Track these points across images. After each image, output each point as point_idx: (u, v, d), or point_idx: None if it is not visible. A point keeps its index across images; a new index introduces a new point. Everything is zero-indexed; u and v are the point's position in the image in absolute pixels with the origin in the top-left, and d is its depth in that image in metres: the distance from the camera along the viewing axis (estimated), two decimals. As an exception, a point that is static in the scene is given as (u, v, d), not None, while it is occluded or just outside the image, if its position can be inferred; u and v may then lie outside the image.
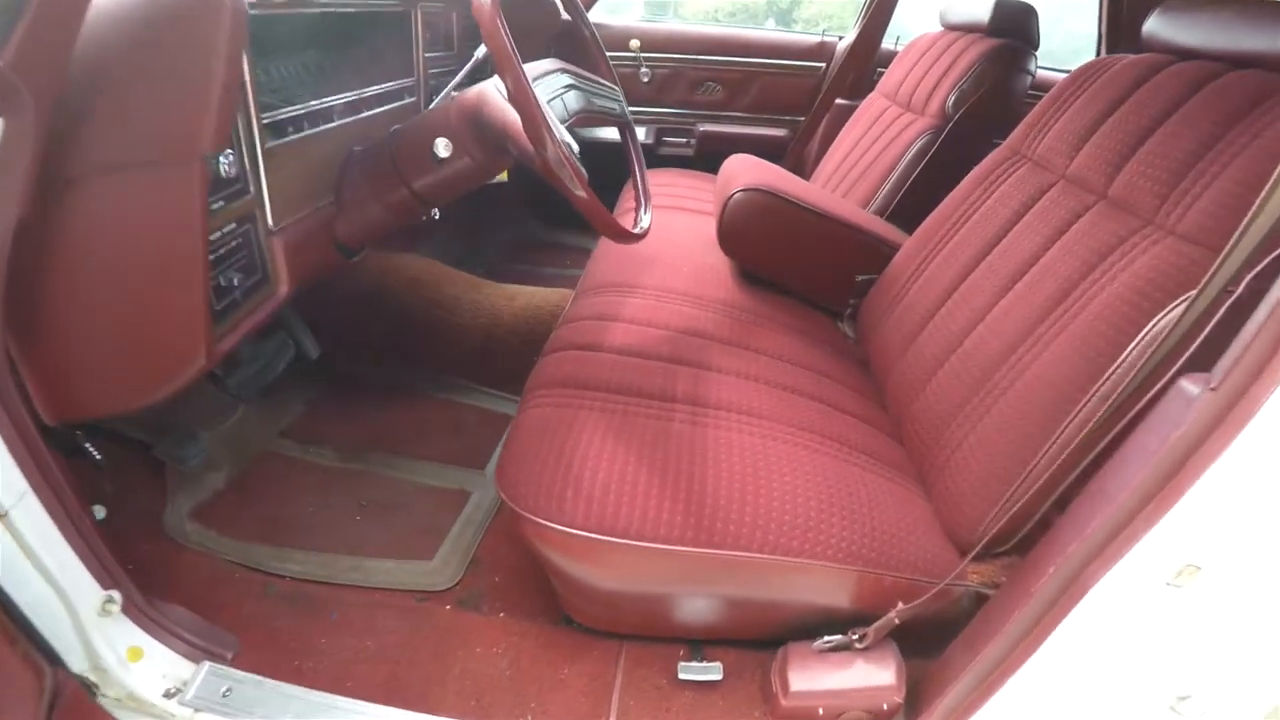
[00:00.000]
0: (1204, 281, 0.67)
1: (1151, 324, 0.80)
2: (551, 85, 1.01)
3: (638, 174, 1.25)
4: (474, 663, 1.03)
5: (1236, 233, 0.63)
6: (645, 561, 0.82)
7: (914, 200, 1.75)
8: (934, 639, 1.00)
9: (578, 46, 1.34)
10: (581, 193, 0.88)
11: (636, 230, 1.05)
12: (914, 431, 1.10)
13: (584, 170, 0.88)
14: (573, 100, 1.04)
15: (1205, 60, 1.04)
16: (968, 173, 1.34)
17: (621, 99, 1.27)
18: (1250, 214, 0.62)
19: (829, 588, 0.88)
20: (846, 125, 2.24)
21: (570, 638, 1.06)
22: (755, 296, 1.40)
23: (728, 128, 2.52)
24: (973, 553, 0.82)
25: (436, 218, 1.63)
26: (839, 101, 2.36)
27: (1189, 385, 0.65)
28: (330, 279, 1.73)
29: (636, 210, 1.17)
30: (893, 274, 1.37)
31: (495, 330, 1.71)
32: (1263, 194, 0.61)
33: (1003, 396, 0.96)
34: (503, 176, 1.18)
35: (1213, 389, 0.61)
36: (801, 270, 1.46)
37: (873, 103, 2.18)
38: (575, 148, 0.90)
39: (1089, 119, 1.14)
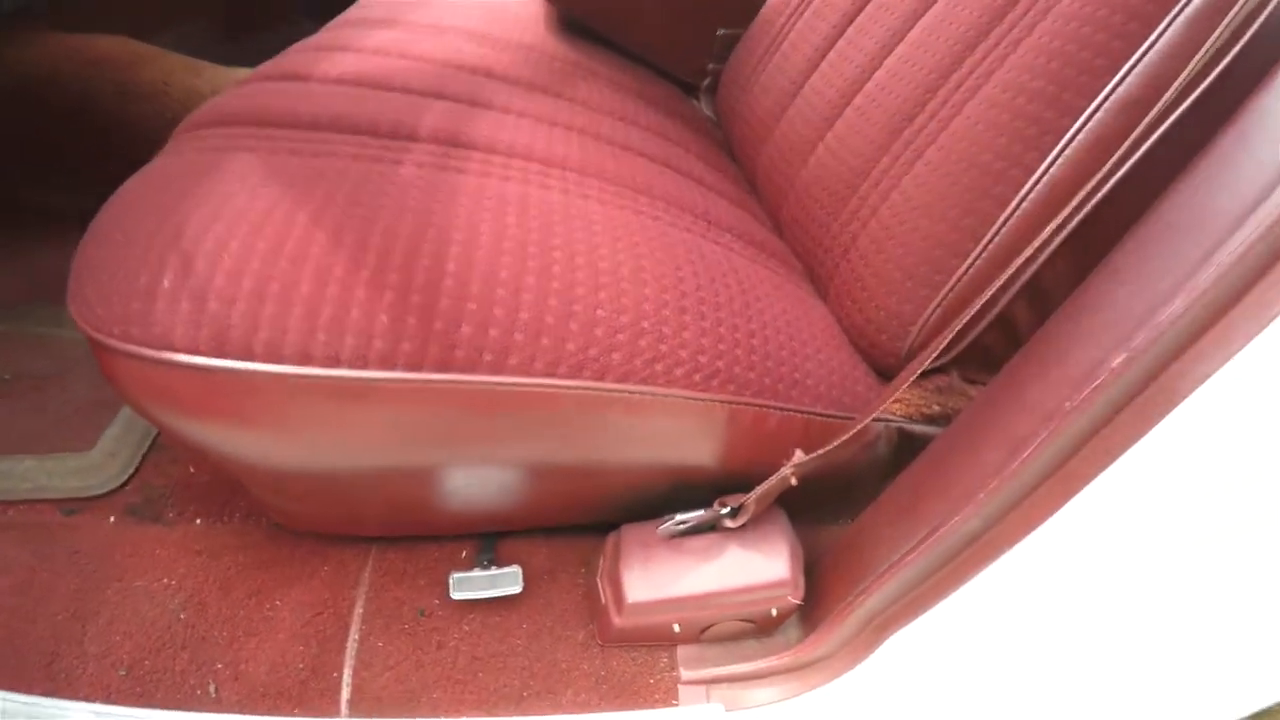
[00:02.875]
0: None
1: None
2: None
3: None
4: (132, 604, 0.61)
5: None
6: (323, 407, 0.41)
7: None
8: (826, 502, 0.69)
9: None
10: None
11: None
12: (800, 214, 0.74)
13: None
14: None
15: None
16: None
17: None
18: None
19: (678, 434, 0.51)
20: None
21: (293, 550, 0.65)
22: (578, 49, 0.97)
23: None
24: (917, 363, 0.48)
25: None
26: None
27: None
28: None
29: None
30: (766, 17, 0.97)
31: (216, 126, 1.18)
32: None
33: (943, 131, 0.60)
34: None
35: None
36: (643, 18, 1.03)
37: None
38: None
39: None
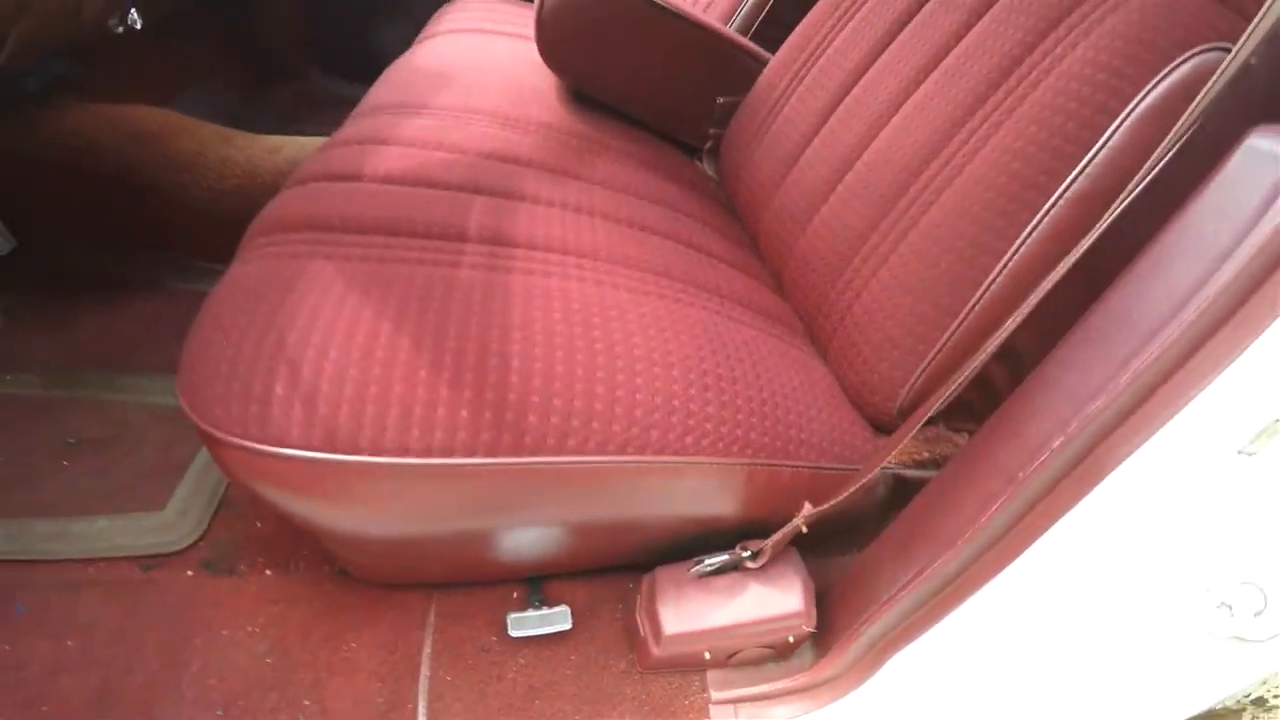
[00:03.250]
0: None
1: (1156, 80, 0.55)
2: None
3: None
4: (220, 651, 0.69)
5: None
6: (416, 488, 0.50)
7: (785, 22, 1.43)
8: (833, 537, 0.78)
9: None
10: None
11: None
12: (800, 278, 0.83)
13: None
14: None
15: None
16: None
17: None
18: None
19: (705, 492, 0.60)
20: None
21: (359, 596, 0.74)
22: (590, 122, 1.06)
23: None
24: (908, 428, 0.57)
25: (136, 25, 1.18)
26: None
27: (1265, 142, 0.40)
28: (18, 139, 1.24)
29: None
30: (763, 88, 1.07)
31: (252, 192, 1.26)
32: None
33: (924, 215, 0.69)
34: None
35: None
36: (648, 89, 1.12)
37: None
38: None
39: None
